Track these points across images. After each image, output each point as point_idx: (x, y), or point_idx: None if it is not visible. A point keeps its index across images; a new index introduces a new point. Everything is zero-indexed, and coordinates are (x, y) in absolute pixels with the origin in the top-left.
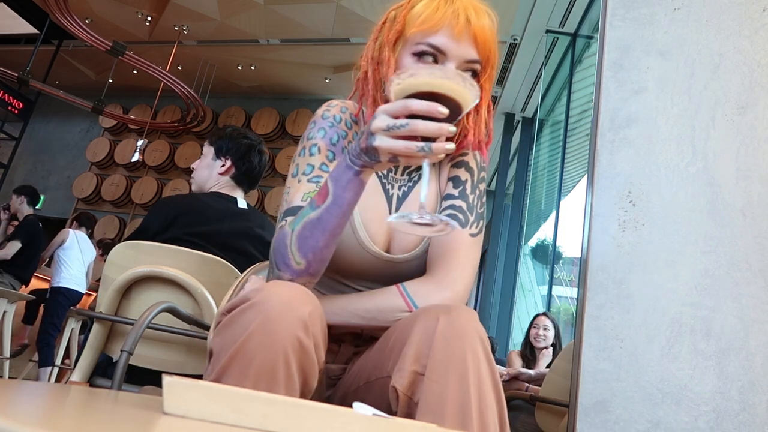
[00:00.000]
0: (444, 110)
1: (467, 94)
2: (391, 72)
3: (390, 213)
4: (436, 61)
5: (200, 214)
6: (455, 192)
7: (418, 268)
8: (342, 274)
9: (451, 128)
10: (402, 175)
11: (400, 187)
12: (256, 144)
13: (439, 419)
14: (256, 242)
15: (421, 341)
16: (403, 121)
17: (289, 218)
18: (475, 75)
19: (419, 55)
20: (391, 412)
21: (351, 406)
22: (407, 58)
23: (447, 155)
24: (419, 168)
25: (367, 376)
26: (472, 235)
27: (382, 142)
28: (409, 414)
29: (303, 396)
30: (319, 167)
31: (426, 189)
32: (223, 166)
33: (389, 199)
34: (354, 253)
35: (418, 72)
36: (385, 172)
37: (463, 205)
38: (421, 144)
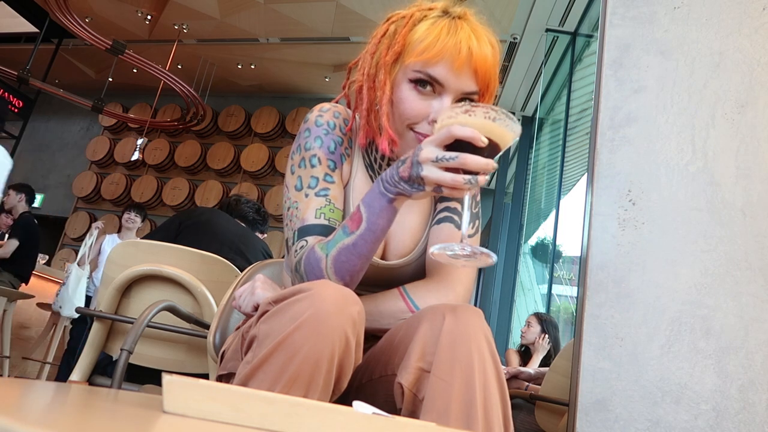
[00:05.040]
0: (485, 140)
1: (509, 138)
2: (385, 96)
3: None
4: (433, 90)
5: (210, 223)
6: None
7: (414, 271)
8: None
9: (494, 164)
10: None
11: None
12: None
13: (444, 416)
14: (260, 247)
15: (427, 339)
16: (453, 154)
17: (310, 238)
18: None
19: (416, 82)
20: (394, 409)
21: (351, 405)
22: (404, 84)
23: None
24: None
25: (370, 373)
26: (470, 236)
27: (429, 172)
28: (414, 411)
29: (333, 394)
30: (324, 179)
31: (467, 221)
32: None
33: None
34: None
35: (474, 111)
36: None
37: (458, 206)
38: (468, 177)
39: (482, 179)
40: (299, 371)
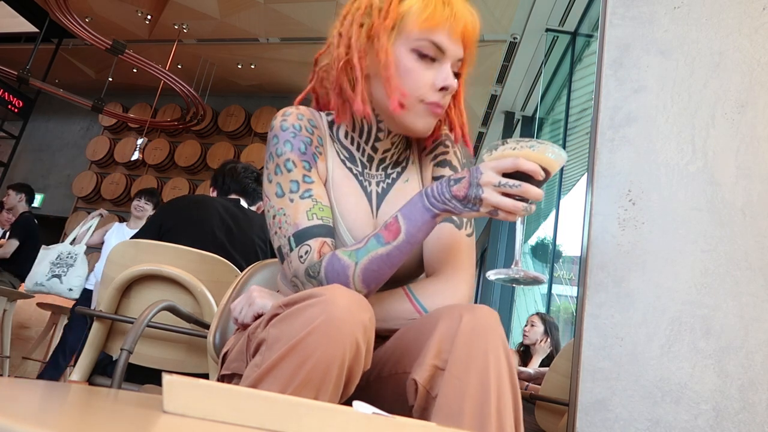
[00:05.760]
0: (543, 174)
1: (558, 168)
2: (389, 59)
3: (372, 212)
4: (432, 59)
5: (193, 221)
6: None
7: (411, 264)
8: None
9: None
10: (377, 170)
11: (378, 183)
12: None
13: (458, 414)
14: (255, 240)
15: (443, 337)
16: (516, 182)
17: (312, 242)
18: (456, 73)
19: (419, 53)
20: (402, 406)
21: (350, 404)
22: (407, 54)
23: (429, 152)
24: (396, 164)
25: (378, 371)
26: (468, 236)
27: (490, 196)
28: (426, 407)
29: (340, 398)
30: (303, 180)
31: (520, 244)
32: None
33: (369, 196)
34: None
35: (540, 147)
36: (360, 168)
37: None
38: (526, 204)
39: (533, 207)
40: (310, 376)
